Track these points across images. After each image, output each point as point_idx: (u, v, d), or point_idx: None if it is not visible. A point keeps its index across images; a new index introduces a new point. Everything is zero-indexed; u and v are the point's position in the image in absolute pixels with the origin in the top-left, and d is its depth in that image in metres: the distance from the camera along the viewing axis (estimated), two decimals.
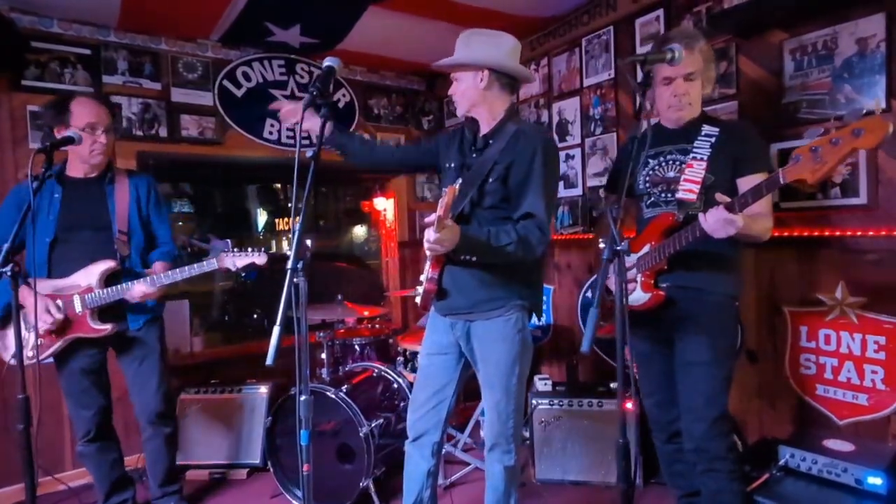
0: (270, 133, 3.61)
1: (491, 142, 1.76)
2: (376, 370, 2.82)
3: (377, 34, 3.38)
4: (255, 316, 4.64)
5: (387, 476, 2.66)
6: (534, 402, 2.69)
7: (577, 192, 3.21)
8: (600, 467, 2.58)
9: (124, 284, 2.14)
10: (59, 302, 2.15)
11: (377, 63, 3.97)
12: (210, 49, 3.39)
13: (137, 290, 2.12)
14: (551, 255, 3.43)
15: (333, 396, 2.46)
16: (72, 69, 2.94)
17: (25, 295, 2.07)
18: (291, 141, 3.69)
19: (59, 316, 2.11)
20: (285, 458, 2.59)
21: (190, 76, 3.33)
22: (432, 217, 1.48)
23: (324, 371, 3.09)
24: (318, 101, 1.45)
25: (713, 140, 1.74)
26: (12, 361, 2.17)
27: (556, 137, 3.32)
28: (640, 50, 2.76)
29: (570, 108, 3.21)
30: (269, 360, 1.21)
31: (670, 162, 1.82)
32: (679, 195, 1.77)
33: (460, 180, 1.71)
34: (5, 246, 1.67)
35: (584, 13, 3.05)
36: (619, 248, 1.32)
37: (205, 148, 3.39)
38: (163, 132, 3.20)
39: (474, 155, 1.80)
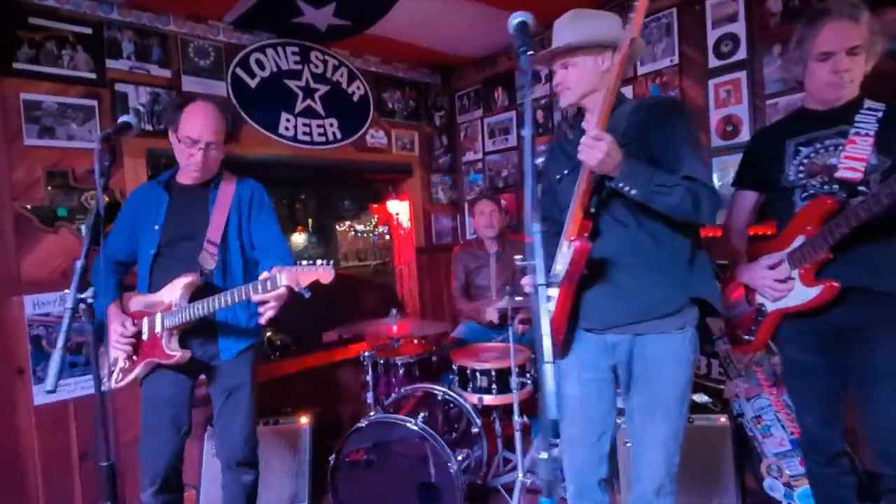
0: (286, 129, 3.27)
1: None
2: (440, 393, 2.54)
3: (410, 19, 3.11)
4: (270, 334, 4.25)
5: None
6: (618, 420, 2.49)
7: None
8: (693, 487, 2.40)
9: (212, 300, 1.79)
10: (145, 320, 1.87)
11: (393, 52, 3.68)
12: (222, 32, 3.01)
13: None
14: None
15: (415, 427, 2.17)
16: (71, 51, 2.50)
17: (110, 314, 1.89)
18: (307, 138, 3.36)
19: (129, 337, 1.86)
20: (348, 499, 2.27)
21: (202, 62, 2.94)
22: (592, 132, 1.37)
23: (369, 395, 2.80)
24: None
25: (879, 115, 1.57)
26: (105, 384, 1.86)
27: None
28: (711, 34, 2.63)
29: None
30: None
31: (830, 148, 1.64)
32: (839, 174, 1.59)
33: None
34: (79, 263, 1.41)
35: None
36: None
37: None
38: None
39: None
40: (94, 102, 2.56)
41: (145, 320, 1.87)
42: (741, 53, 2.52)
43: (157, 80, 2.76)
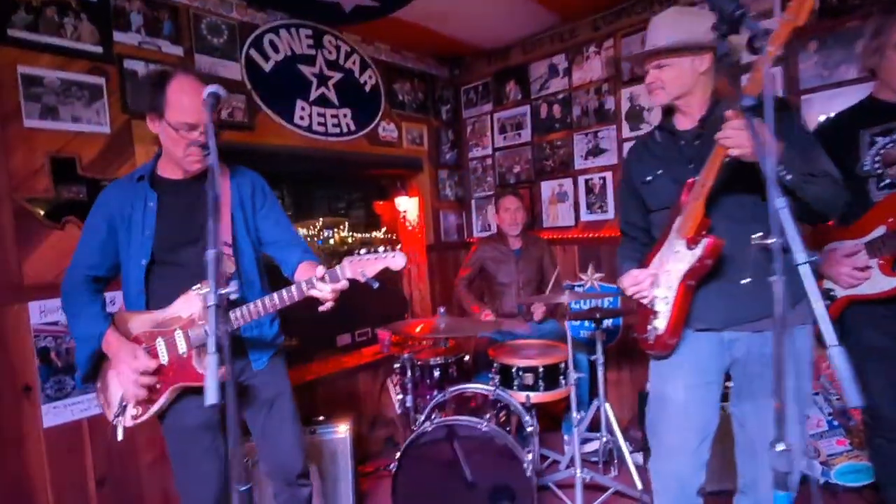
0: (301, 118, 3.04)
1: (706, 126, 1.55)
2: (494, 392, 2.43)
3: (434, 6, 2.98)
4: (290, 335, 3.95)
5: None
6: None
7: None
8: (731, 472, 2.41)
9: (253, 303, 1.55)
10: (160, 341, 1.57)
11: (404, 40, 3.53)
12: (235, 9, 2.75)
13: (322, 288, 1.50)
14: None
15: (485, 428, 2.06)
16: (74, 19, 2.18)
17: (111, 344, 1.56)
18: (322, 129, 3.15)
19: (151, 365, 1.53)
20: None
21: (215, 41, 2.66)
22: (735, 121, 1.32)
23: (408, 399, 2.66)
24: None
25: None
26: (120, 421, 1.58)
27: (625, 126, 3.17)
28: (743, 29, 2.68)
29: (646, 94, 3.05)
30: None
31: None
32: None
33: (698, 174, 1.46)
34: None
35: None
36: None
37: (233, 133, 2.75)
38: None
39: (685, 146, 1.58)
40: (102, 80, 2.24)
41: (160, 342, 1.56)
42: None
43: (168, 58, 2.47)
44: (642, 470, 2.52)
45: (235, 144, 2.77)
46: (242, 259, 1.70)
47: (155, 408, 1.58)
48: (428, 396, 2.71)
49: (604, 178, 3.29)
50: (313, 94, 3.11)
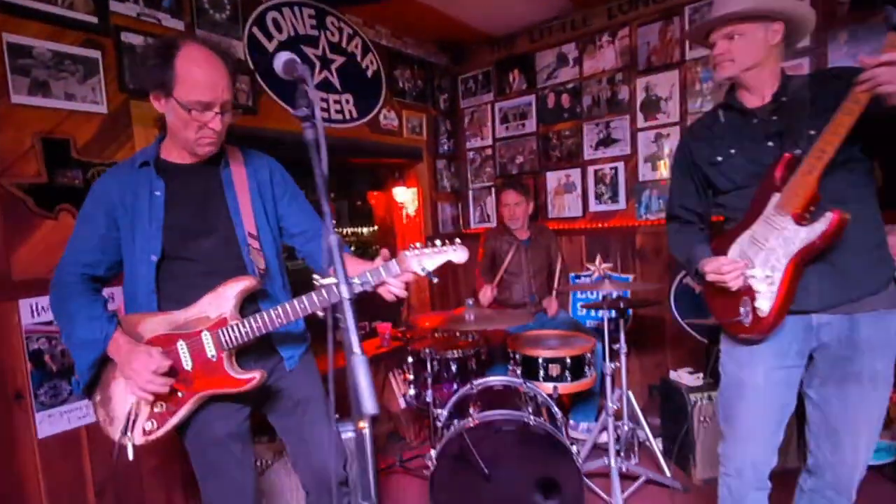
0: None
1: (784, 99, 1.48)
2: (524, 385, 2.35)
3: None
4: None
5: None
6: (692, 398, 2.48)
7: None
8: None
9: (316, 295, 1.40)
10: (181, 345, 1.39)
11: (406, 24, 3.39)
12: None
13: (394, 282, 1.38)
14: (631, 241, 3.24)
15: (531, 422, 1.98)
16: None
17: (120, 346, 1.36)
18: (325, 115, 2.98)
19: (165, 364, 1.35)
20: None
21: (218, 16, 2.47)
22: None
23: (428, 393, 2.55)
24: None
25: None
26: (129, 439, 1.38)
27: (640, 116, 3.13)
28: None
29: (664, 84, 3.03)
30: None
31: None
32: None
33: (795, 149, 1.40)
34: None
35: None
36: None
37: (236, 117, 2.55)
38: None
39: (759, 124, 1.50)
40: (97, 54, 2.03)
41: (182, 345, 1.38)
42: (805, 40, 2.58)
43: (168, 33, 2.26)
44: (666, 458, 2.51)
45: (239, 129, 2.57)
46: (265, 252, 1.54)
47: (175, 420, 1.40)
48: (446, 390, 2.62)
49: (615, 169, 3.24)
50: (316, 78, 2.95)
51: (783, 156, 1.43)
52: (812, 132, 1.40)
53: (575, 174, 3.42)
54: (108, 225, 1.41)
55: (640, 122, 3.13)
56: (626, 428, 2.62)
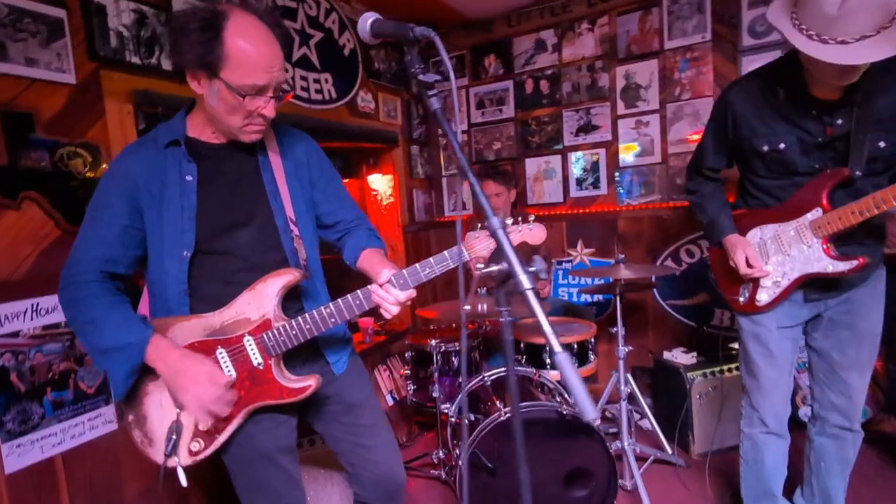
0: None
1: (856, 98, 1.42)
2: (538, 374, 2.30)
3: None
4: None
5: None
6: (689, 376, 2.56)
7: (655, 159, 3.12)
8: (737, 423, 2.56)
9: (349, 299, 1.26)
10: (221, 353, 1.22)
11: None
12: None
13: (391, 296, 1.23)
14: (613, 227, 3.30)
15: (566, 412, 1.93)
16: None
17: (166, 352, 1.17)
18: (306, 94, 2.76)
19: (230, 386, 1.20)
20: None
21: None
22: None
23: (435, 388, 2.45)
24: None
25: None
26: (175, 462, 1.19)
27: (620, 103, 3.18)
28: (746, 13, 2.77)
29: (643, 72, 3.09)
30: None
31: None
32: None
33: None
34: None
35: None
36: None
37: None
38: (167, 63, 2.03)
39: (824, 119, 1.47)
40: (62, 13, 1.71)
41: (222, 353, 1.22)
42: (777, 35, 2.72)
43: None
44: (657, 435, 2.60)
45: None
46: (305, 242, 1.37)
47: (223, 438, 1.22)
48: (448, 385, 2.52)
49: (597, 155, 3.27)
50: (296, 54, 2.71)
51: (840, 170, 1.47)
52: (882, 144, 1.42)
53: (555, 160, 3.42)
54: (131, 214, 1.20)
55: (621, 110, 3.17)
56: (625, 408, 2.67)
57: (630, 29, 3.11)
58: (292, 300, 1.33)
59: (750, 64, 2.79)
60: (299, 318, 1.23)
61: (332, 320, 1.25)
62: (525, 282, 0.73)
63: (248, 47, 1.10)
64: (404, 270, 1.25)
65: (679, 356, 2.68)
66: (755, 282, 1.66)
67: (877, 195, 1.39)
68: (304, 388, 1.24)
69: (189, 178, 1.22)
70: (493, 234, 0.77)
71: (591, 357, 2.58)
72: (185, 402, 1.17)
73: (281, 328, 1.22)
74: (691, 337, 3.08)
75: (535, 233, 1.32)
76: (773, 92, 1.55)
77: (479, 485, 1.91)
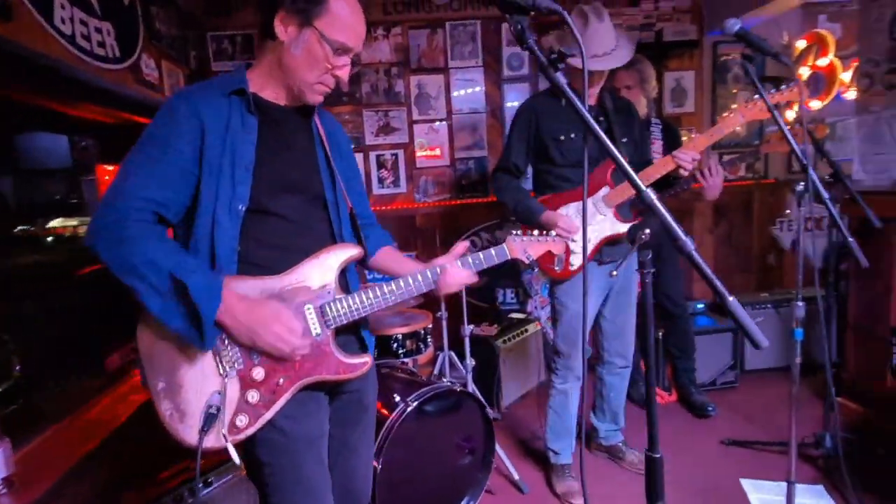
0: (62, 20, 2.00)
1: (606, 104, 2.17)
2: (402, 364, 2.38)
3: None
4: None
5: None
6: (497, 344, 3.05)
7: (444, 162, 3.56)
8: (529, 373, 3.26)
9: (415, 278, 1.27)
10: (309, 310, 1.16)
11: None
12: None
13: (457, 277, 1.28)
14: (412, 222, 3.60)
15: (458, 388, 2.08)
16: None
17: (241, 298, 1.11)
18: (86, 44, 2.16)
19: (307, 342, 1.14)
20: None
21: None
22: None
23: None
24: None
25: None
26: (224, 440, 1.09)
27: (415, 109, 3.51)
28: (505, 49, 3.46)
29: (432, 84, 3.49)
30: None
31: None
32: None
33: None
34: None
35: None
36: None
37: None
38: None
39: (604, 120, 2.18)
40: None
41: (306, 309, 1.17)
42: (525, 69, 3.51)
43: None
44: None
45: None
46: (343, 221, 1.31)
47: (270, 414, 1.11)
48: None
49: (396, 155, 3.52)
50: None
51: (609, 164, 2.10)
52: (624, 140, 2.15)
53: (357, 158, 3.50)
54: (193, 155, 1.10)
55: (416, 115, 3.51)
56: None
57: (420, 43, 3.48)
58: (346, 275, 1.30)
59: (510, 90, 3.53)
60: (361, 293, 1.20)
61: (392, 297, 1.23)
62: (689, 243, 0.89)
63: (347, 7, 1.14)
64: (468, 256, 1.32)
65: (485, 329, 3.15)
66: (567, 251, 2.15)
67: (644, 172, 2.05)
68: (362, 364, 1.21)
69: (250, 129, 1.15)
70: (651, 205, 0.90)
71: (431, 342, 2.80)
72: (264, 335, 1.07)
73: (341, 300, 1.17)
74: (486, 313, 3.63)
75: (557, 243, 1.45)
76: (558, 102, 2.14)
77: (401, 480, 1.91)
